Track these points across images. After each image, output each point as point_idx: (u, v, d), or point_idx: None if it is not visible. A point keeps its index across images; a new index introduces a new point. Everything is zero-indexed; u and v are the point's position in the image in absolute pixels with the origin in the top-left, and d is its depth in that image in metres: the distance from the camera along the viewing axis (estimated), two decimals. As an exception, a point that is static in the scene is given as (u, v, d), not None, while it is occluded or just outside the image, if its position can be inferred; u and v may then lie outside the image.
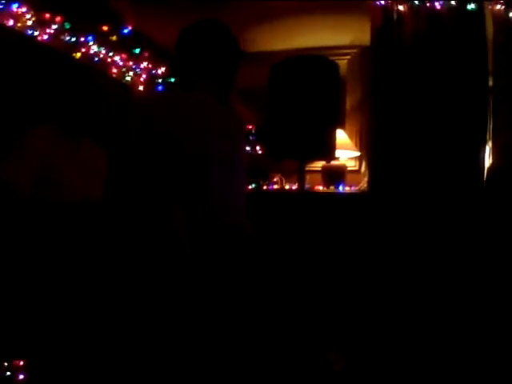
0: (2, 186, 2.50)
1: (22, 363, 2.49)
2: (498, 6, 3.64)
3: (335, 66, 2.62)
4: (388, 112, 3.73)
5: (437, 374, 3.16)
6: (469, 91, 3.58)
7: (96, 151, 2.77)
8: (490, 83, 3.63)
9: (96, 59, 3.78)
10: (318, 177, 4.03)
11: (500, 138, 3.56)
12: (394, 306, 3.43)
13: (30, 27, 3.29)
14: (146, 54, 4.21)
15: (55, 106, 2.79)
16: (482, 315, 3.24)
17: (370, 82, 3.86)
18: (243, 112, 3.65)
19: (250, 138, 4.24)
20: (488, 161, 3.59)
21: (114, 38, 3.90)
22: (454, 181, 3.54)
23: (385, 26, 3.76)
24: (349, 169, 4.13)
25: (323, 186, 4.00)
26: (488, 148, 3.59)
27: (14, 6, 3.19)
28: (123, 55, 4.02)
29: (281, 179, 4.19)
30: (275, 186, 4.18)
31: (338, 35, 4.25)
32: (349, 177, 4.05)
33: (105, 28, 3.83)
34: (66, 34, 3.51)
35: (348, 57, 4.43)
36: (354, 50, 4.41)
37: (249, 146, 4.06)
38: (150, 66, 4.25)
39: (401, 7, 3.75)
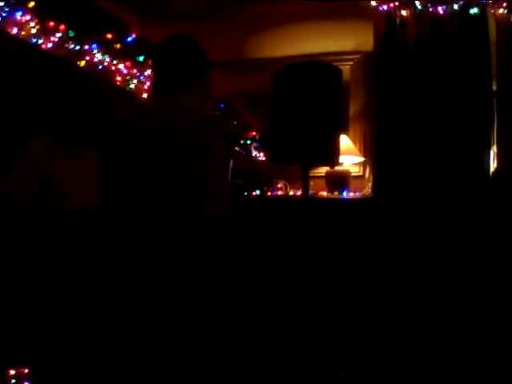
0: (3, 198, 2.50)
1: (26, 371, 2.49)
2: (501, 10, 3.65)
3: (338, 72, 2.62)
4: (392, 117, 3.73)
5: (441, 378, 3.14)
6: (473, 95, 3.58)
7: (97, 160, 2.76)
8: (494, 87, 3.63)
9: (100, 67, 3.79)
10: (322, 182, 4.03)
11: (504, 142, 3.56)
12: (399, 310, 3.42)
13: (34, 35, 3.29)
14: (150, 62, 4.22)
15: (56, 114, 2.79)
16: (489, 320, 3.22)
17: (374, 88, 3.86)
18: (248, 118, 3.64)
19: (254, 144, 4.24)
20: (493, 165, 3.58)
21: (118, 45, 3.92)
22: (458, 185, 3.53)
23: (388, 31, 3.77)
24: (353, 174, 4.13)
25: (327, 192, 4.00)
26: (492, 152, 3.59)
27: (18, 14, 3.19)
28: (127, 63, 4.04)
29: (285, 185, 4.18)
30: (279, 192, 4.17)
31: (341, 41, 4.25)
32: (353, 182, 4.05)
33: (109, 36, 3.84)
34: (70, 42, 3.52)
35: (351, 62, 4.42)
36: (357, 56, 4.40)
37: (253, 152, 4.06)
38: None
39: (404, 12, 3.76)
